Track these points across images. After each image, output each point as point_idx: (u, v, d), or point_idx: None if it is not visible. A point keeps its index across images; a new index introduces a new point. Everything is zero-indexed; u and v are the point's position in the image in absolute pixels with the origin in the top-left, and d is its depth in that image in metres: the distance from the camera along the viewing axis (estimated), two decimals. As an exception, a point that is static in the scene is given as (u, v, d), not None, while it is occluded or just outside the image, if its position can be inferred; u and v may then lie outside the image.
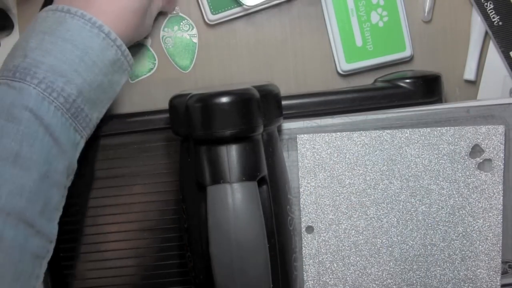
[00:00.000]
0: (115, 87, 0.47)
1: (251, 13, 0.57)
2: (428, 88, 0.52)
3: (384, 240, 0.50)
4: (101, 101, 0.46)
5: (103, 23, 0.44)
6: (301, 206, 0.50)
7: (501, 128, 0.49)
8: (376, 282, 0.50)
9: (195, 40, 0.58)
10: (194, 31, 0.58)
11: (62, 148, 0.43)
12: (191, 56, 0.58)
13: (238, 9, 0.56)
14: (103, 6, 0.45)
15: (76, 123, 0.44)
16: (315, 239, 0.50)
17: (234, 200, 0.40)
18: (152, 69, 0.58)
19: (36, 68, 0.42)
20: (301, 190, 0.50)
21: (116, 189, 0.52)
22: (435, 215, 0.50)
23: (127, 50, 0.46)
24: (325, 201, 0.50)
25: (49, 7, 0.45)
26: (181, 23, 0.58)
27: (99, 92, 0.45)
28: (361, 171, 0.50)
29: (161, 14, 0.57)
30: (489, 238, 0.50)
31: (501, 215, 0.50)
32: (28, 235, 0.40)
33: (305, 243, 0.50)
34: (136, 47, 0.57)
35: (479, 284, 0.50)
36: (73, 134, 0.44)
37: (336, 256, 0.50)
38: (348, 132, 0.50)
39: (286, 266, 0.46)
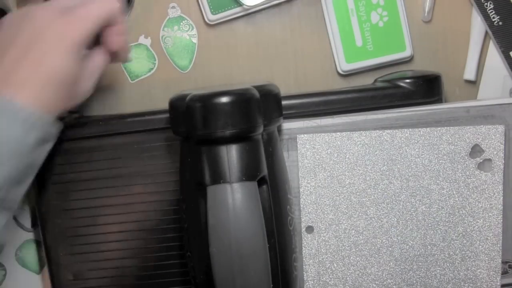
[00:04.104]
0: (43, 156, 0.44)
1: (251, 13, 0.57)
2: (428, 88, 0.52)
3: (384, 240, 0.50)
4: (30, 175, 0.44)
5: (22, 103, 0.40)
6: (301, 206, 0.50)
7: (501, 128, 0.49)
8: (376, 282, 0.50)
9: (195, 40, 0.58)
10: (194, 31, 0.58)
11: None
12: (190, 56, 0.58)
13: (238, 9, 0.56)
14: (25, 80, 0.41)
15: (3, 204, 0.41)
16: (315, 239, 0.50)
17: (234, 200, 0.40)
18: (152, 69, 0.58)
19: None
20: (301, 190, 0.50)
21: (116, 189, 0.52)
22: (435, 215, 0.50)
23: (51, 121, 0.43)
24: (325, 201, 0.50)
25: None
26: (181, 23, 0.58)
27: (28, 170, 0.43)
28: (361, 171, 0.50)
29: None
30: (489, 238, 0.50)
31: (501, 215, 0.50)
32: None
33: (305, 243, 0.50)
34: (136, 47, 0.57)
35: (479, 284, 0.50)
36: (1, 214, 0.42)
37: (336, 256, 0.50)
38: (348, 132, 0.50)
39: (286, 266, 0.46)
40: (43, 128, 0.42)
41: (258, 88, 0.44)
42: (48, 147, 0.44)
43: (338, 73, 0.58)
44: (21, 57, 0.41)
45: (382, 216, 0.50)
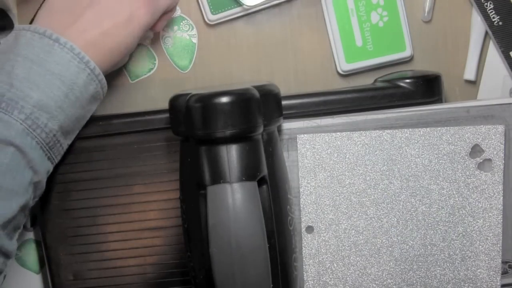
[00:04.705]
0: (89, 115, 0.48)
1: (251, 13, 0.57)
2: (428, 88, 0.52)
3: (384, 240, 0.50)
4: (76, 130, 0.48)
5: (90, 58, 0.44)
6: (301, 206, 0.50)
7: (501, 128, 0.49)
8: (376, 282, 0.50)
9: (195, 40, 0.58)
10: (194, 31, 0.58)
11: (40, 177, 0.44)
12: (190, 56, 0.58)
13: (238, 9, 0.56)
14: (94, 43, 0.45)
15: (50, 153, 0.45)
16: (315, 239, 0.50)
17: (234, 200, 0.40)
18: (152, 69, 0.58)
19: (24, 102, 0.42)
20: (301, 190, 0.50)
21: (116, 189, 0.52)
22: (435, 215, 0.50)
23: (105, 81, 0.47)
24: (325, 201, 0.50)
25: (34, 27, 0.44)
26: (181, 23, 0.58)
27: (76, 123, 0.47)
28: (361, 171, 0.50)
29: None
30: (489, 238, 0.50)
31: (501, 215, 0.50)
32: None
33: (305, 243, 0.50)
34: (136, 47, 0.57)
35: (479, 284, 0.50)
36: (47, 163, 0.45)
37: (336, 256, 0.50)
38: (348, 132, 0.50)
39: (286, 266, 0.46)
40: (99, 84, 0.46)
41: (258, 88, 0.44)
42: (95, 106, 0.48)
43: (338, 73, 0.58)
44: (96, 24, 0.45)
45: (382, 216, 0.50)
